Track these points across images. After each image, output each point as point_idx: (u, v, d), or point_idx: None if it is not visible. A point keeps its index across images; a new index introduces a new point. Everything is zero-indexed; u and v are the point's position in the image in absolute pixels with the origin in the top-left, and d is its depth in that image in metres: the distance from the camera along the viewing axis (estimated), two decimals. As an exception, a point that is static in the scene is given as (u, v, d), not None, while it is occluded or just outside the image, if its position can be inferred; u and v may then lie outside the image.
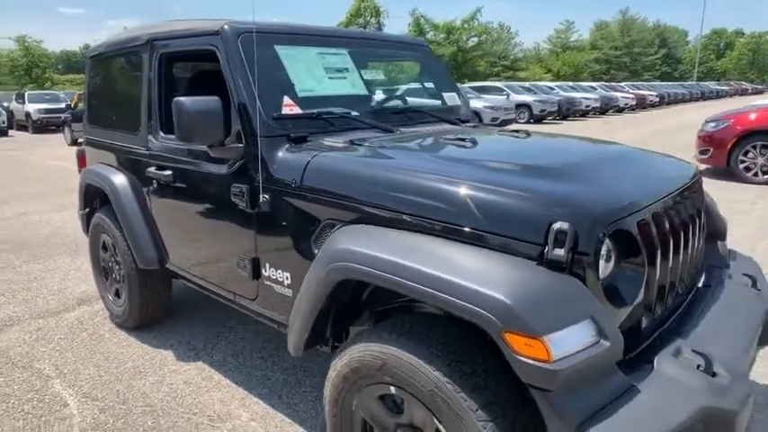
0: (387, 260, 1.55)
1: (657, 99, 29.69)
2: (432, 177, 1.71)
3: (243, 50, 2.27)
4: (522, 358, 1.27)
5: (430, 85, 3.23)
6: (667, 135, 14.79)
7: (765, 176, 7.88)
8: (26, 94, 20.19)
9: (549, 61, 56.81)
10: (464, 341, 1.52)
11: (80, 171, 3.69)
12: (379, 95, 2.92)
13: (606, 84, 31.06)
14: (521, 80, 35.84)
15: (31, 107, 18.68)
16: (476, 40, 43.25)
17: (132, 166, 3.04)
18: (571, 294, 1.37)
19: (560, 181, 1.63)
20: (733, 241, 4.90)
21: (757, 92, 46.35)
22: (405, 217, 1.70)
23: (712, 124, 8.46)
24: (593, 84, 29.16)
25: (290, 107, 2.29)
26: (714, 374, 1.47)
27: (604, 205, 1.53)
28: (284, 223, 2.12)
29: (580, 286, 1.40)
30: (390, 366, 1.56)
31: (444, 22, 41.71)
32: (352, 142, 2.18)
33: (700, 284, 2.11)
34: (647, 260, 1.60)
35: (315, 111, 2.36)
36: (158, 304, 3.32)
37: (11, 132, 18.63)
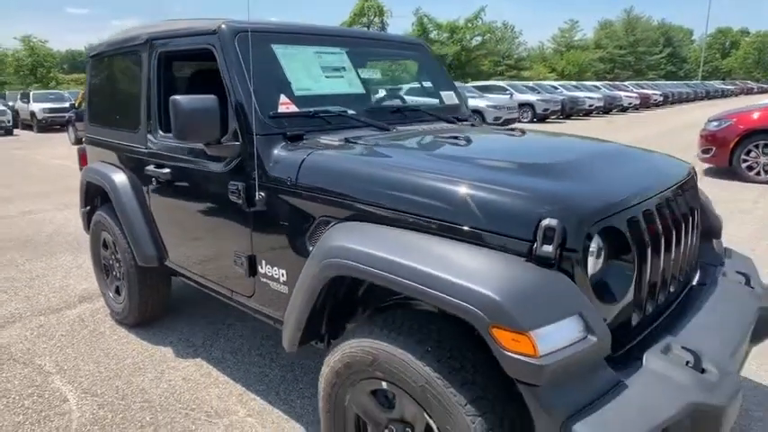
0: (378, 257, 1.57)
1: (661, 98, 29.58)
2: (424, 175, 1.73)
3: (239, 49, 2.29)
4: (509, 353, 1.28)
5: (428, 83, 3.25)
6: (670, 134, 14.75)
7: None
8: (31, 93, 20.32)
9: (553, 60, 56.70)
10: (455, 338, 1.54)
11: (81, 169, 3.72)
12: (376, 94, 2.94)
13: (610, 83, 30.98)
14: (525, 79, 35.81)
15: (36, 106, 18.79)
16: (479, 39, 43.23)
17: (132, 164, 3.07)
18: (559, 290, 1.39)
19: (551, 178, 1.64)
20: (734, 240, 4.93)
21: (763, 91, 46.10)
22: (397, 214, 1.72)
23: (715, 123, 8.44)
24: (597, 83, 29.08)
25: (286, 105, 2.31)
26: (703, 371, 1.48)
27: (594, 202, 1.54)
28: (280, 221, 2.14)
29: (568, 282, 1.41)
30: (382, 362, 1.58)
31: (448, 21, 41.73)
32: (347, 140, 2.20)
33: (694, 282, 2.12)
34: (638, 257, 1.61)
35: (311, 109, 2.37)
36: (158, 301, 3.35)
37: (16, 131, 18.78)
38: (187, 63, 3.41)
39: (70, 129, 15.10)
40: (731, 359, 1.61)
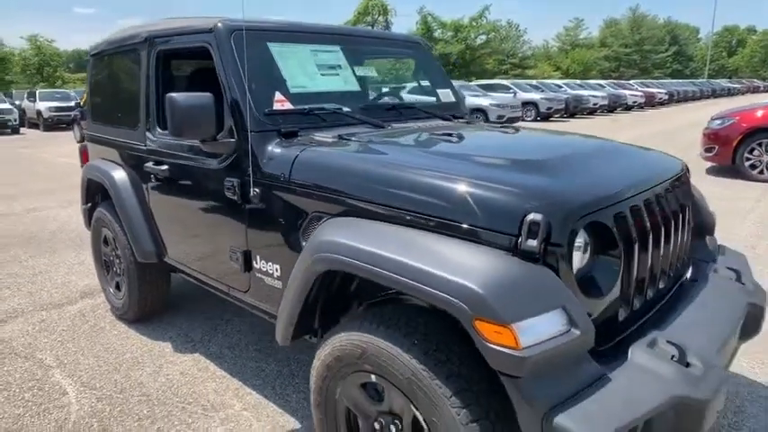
0: (366, 251, 1.60)
1: (667, 97, 29.43)
2: (413, 171, 1.75)
3: (235, 47, 2.32)
4: (492, 345, 1.30)
5: (424, 81, 3.27)
6: (674, 133, 14.69)
7: (771, 174, 7.83)
8: (37, 92, 20.45)
9: (557, 59, 56.51)
10: (442, 331, 1.56)
11: (83, 166, 3.76)
12: (372, 92, 2.96)
13: (615, 81, 30.86)
14: (529, 78, 35.71)
15: (42, 105, 18.92)
16: (484, 37, 43.15)
17: (131, 161, 3.10)
18: (542, 284, 1.40)
19: (538, 174, 1.66)
20: (735, 239, 4.93)
21: (770, 89, 45.80)
22: (387, 210, 1.74)
23: (718, 122, 8.40)
24: (602, 81, 28.99)
25: (281, 103, 2.33)
26: (688, 365, 1.50)
27: (579, 198, 1.55)
28: (274, 216, 2.17)
29: (552, 276, 1.43)
30: (370, 355, 1.60)
31: (452, 20, 41.66)
32: (340, 137, 2.22)
33: (686, 278, 2.13)
34: (625, 253, 1.63)
35: (306, 107, 2.40)
36: (157, 297, 3.39)
37: (22, 130, 18.91)
38: (186, 61, 3.45)
39: (75, 127, 15.20)
40: (717, 354, 1.62)
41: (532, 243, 1.42)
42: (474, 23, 41.57)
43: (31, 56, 38.27)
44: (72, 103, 18.12)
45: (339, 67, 2.71)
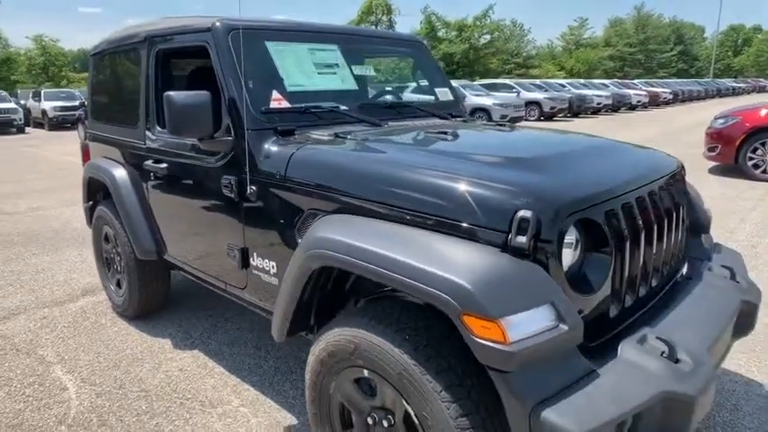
0: (358, 247, 1.61)
1: (671, 96, 29.32)
2: (406, 168, 1.77)
3: (233, 46, 2.34)
4: (480, 340, 1.32)
5: (422, 80, 3.28)
6: (677, 133, 14.64)
7: (774, 174, 7.80)
8: (42, 92, 20.56)
9: (562, 59, 56.36)
10: (433, 326, 1.57)
11: (84, 165, 3.80)
12: (369, 91, 2.98)
13: (619, 81, 30.77)
14: (534, 77, 35.66)
15: (47, 105, 19.01)
16: (488, 37, 43.16)
17: (131, 159, 3.13)
18: (531, 280, 1.42)
19: (529, 171, 1.67)
20: (735, 238, 4.91)
21: (776, 89, 45.55)
22: (380, 207, 1.76)
23: (721, 121, 8.38)
24: (606, 81, 28.90)
25: (278, 101, 2.35)
26: (677, 361, 1.51)
27: (569, 195, 1.56)
28: (270, 214, 2.19)
29: (541, 272, 1.44)
30: (362, 350, 1.62)
31: (456, 19, 41.68)
32: (336, 135, 2.24)
33: (680, 276, 2.14)
34: (616, 250, 1.64)
35: (303, 105, 2.42)
36: (157, 294, 3.42)
37: (28, 130, 19.02)
38: (186, 60, 3.47)
39: (80, 126, 15.26)
40: (708, 351, 1.62)
41: (522, 239, 1.44)
42: (478, 23, 41.59)
43: (37, 56, 38.49)
44: (76, 103, 18.23)
45: (337, 65, 2.73)
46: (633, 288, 1.77)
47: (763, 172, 7.87)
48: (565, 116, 20.87)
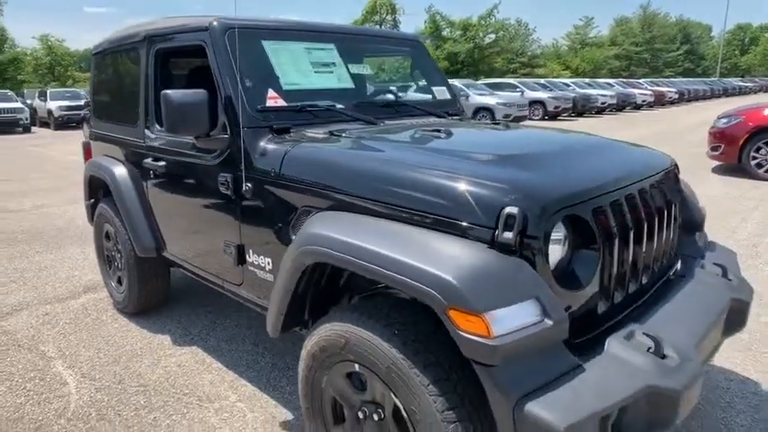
0: (349, 243, 1.63)
1: (677, 96, 29.18)
2: (397, 165, 1.79)
3: (229, 45, 2.36)
4: (464, 334, 1.34)
5: (420, 78, 3.30)
6: (681, 132, 14.58)
7: (777, 173, 7.77)
8: (48, 91, 20.69)
9: (567, 58, 56.17)
10: (421, 322, 1.59)
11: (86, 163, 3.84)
12: (366, 89, 3.00)
13: (624, 80, 30.65)
14: (539, 77, 35.54)
15: (53, 104, 19.14)
16: (492, 36, 43.10)
17: (131, 157, 3.17)
18: (516, 275, 1.43)
19: (517, 168, 1.69)
20: (736, 237, 4.90)
21: (782, 88, 45.22)
22: (372, 203, 1.78)
23: (724, 120, 8.35)
24: (611, 80, 28.81)
25: (274, 100, 2.38)
26: (663, 356, 1.52)
27: (556, 192, 1.58)
28: (266, 211, 2.21)
29: (527, 268, 1.45)
30: (353, 345, 1.64)
31: (461, 18, 41.64)
32: (331, 133, 2.27)
33: (673, 273, 2.15)
34: (604, 247, 1.65)
35: (298, 103, 2.44)
36: (157, 291, 3.45)
37: (34, 129, 19.15)
38: (184, 59, 3.50)
39: (85, 126, 15.38)
40: (695, 347, 1.63)
41: (508, 235, 1.45)
42: (483, 22, 41.54)
43: (43, 55, 38.74)
44: (82, 102, 18.33)
45: (333, 64, 2.75)
46: (622, 285, 1.78)
47: (766, 172, 7.83)
48: (569, 116, 20.81)
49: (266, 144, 2.23)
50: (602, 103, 22.29)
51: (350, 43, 2.93)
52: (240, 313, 3.51)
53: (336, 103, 2.61)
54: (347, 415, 1.82)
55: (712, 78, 45.71)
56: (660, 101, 27.37)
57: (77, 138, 15.63)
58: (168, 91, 2.20)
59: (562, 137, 2.39)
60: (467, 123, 2.87)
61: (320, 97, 2.59)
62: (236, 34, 2.29)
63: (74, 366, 2.91)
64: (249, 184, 2.21)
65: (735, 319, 1.99)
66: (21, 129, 18.17)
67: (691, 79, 41.29)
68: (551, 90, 20.91)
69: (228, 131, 2.31)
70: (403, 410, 1.57)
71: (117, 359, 2.99)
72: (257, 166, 2.20)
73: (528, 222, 1.47)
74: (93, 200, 3.76)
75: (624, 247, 1.74)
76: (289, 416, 2.47)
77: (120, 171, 3.22)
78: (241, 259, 2.37)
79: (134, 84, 3.06)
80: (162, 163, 2.81)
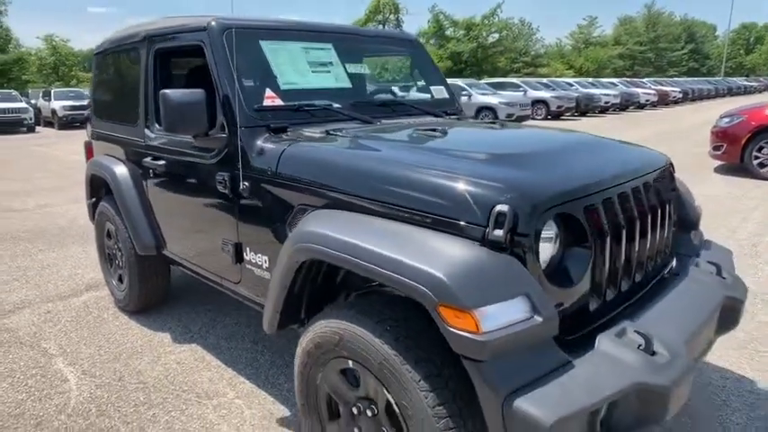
0: (342, 241, 1.65)
1: (681, 95, 29.09)
2: (391, 164, 1.81)
3: (227, 45, 2.39)
4: (454, 330, 1.35)
5: (418, 78, 3.31)
6: (684, 132, 14.54)
7: (779, 173, 7.74)
8: (52, 91, 20.80)
9: (571, 57, 56.03)
10: (413, 318, 1.61)
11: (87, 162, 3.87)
12: (364, 89, 3.02)
13: (628, 80, 30.57)
14: (542, 76, 35.45)
15: (57, 104, 19.23)
16: (496, 36, 43.02)
17: (131, 157, 3.20)
18: (506, 272, 1.45)
19: (509, 167, 1.71)
20: (736, 237, 4.90)
21: (788, 87, 45.00)
22: (366, 202, 1.79)
23: (726, 120, 8.32)
24: (614, 80, 28.74)
25: (271, 99, 2.40)
26: (653, 353, 1.53)
27: (547, 190, 1.59)
28: (263, 209, 2.23)
29: (517, 265, 1.47)
30: (346, 341, 1.66)
31: (464, 18, 41.60)
32: (328, 132, 2.29)
33: (667, 272, 2.16)
34: (595, 245, 1.66)
35: (296, 103, 2.46)
36: (157, 289, 3.48)
37: (38, 129, 19.24)
38: (183, 59, 3.53)
39: (88, 125, 15.40)
40: (686, 345, 1.64)
41: (499, 233, 1.47)
42: (486, 21, 41.47)
43: (47, 56, 38.87)
44: (85, 102, 18.40)
45: (331, 64, 2.77)
46: (615, 283, 1.79)
47: (769, 171, 7.82)
48: (572, 115, 20.78)
49: (263, 143, 2.25)
50: (606, 103, 22.24)
51: (347, 43, 2.95)
52: (240, 311, 3.54)
53: (334, 102, 2.63)
54: (342, 411, 1.84)
55: (717, 78, 45.55)
56: (664, 100, 27.29)
57: (81, 137, 15.64)
58: (167, 90, 2.22)
59: (556, 136, 2.41)
60: (463, 123, 2.88)
61: (317, 97, 2.62)
62: (233, 34, 2.32)
63: (75, 363, 2.94)
64: (246, 183, 2.23)
65: (728, 316, 1.99)
66: (25, 129, 18.26)
67: (695, 79, 41.13)
68: (554, 89, 20.88)
69: (226, 131, 2.33)
70: (395, 406, 1.59)
71: (117, 356, 3.02)
72: (254, 164, 2.22)
73: (518, 220, 1.49)
74: (94, 199, 3.79)
75: (616, 245, 1.75)
76: (286, 412, 2.49)
77: (121, 170, 3.25)
78: (239, 257, 2.39)
79: (134, 83, 3.09)
80: (161, 162, 2.83)
